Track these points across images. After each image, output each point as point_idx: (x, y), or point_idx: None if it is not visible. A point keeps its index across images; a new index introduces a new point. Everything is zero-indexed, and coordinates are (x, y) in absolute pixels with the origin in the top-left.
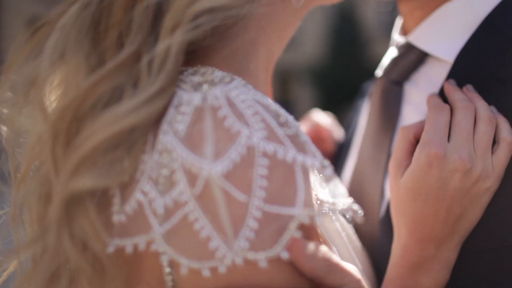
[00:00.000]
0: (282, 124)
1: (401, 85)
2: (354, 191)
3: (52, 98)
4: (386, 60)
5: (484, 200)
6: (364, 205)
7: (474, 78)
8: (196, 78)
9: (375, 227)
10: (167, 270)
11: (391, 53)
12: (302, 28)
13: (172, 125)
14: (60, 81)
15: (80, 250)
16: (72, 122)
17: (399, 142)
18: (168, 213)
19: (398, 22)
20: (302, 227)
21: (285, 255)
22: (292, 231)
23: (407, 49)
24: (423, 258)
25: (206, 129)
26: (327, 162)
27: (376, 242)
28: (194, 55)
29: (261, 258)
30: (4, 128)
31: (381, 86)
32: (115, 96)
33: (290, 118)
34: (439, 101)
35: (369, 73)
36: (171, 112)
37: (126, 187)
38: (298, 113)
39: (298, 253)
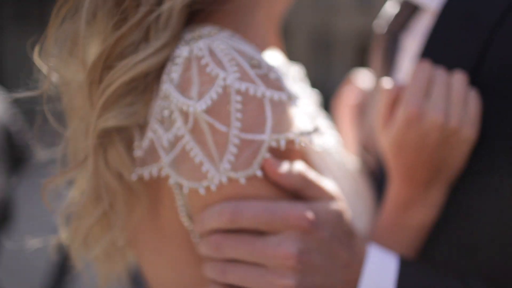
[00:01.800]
0: (254, 66)
1: (398, 35)
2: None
3: (91, 51)
4: (387, 15)
5: (464, 148)
6: (373, 142)
7: (455, 23)
8: (189, 35)
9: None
10: (179, 195)
11: (392, 8)
12: None
13: (169, 75)
14: (93, 37)
15: (115, 176)
16: (103, 71)
17: (384, 99)
18: (171, 145)
19: None
20: (272, 150)
21: (259, 173)
22: (263, 153)
23: (403, 4)
24: (411, 199)
25: (193, 75)
26: (293, 95)
27: (378, 177)
28: (201, 14)
29: (241, 176)
30: (53, 77)
31: (382, 41)
32: (133, 49)
33: (263, 61)
34: (423, 63)
35: None
36: (168, 65)
37: (143, 129)
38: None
39: (271, 171)
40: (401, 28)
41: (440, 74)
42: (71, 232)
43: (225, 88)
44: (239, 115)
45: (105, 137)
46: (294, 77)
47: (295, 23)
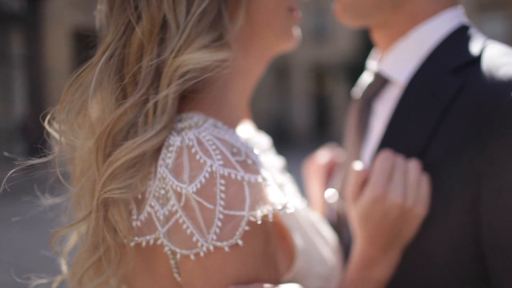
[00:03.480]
0: (235, 154)
1: (371, 102)
2: (345, 184)
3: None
4: (363, 83)
5: (416, 221)
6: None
7: (418, 98)
8: (180, 125)
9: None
10: (171, 256)
11: (367, 78)
12: (335, 24)
13: (164, 160)
14: (97, 108)
15: (112, 232)
16: (107, 140)
17: (353, 180)
18: (167, 219)
19: (374, 51)
20: (250, 223)
21: (240, 242)
22: (243, 226)
23: (377, 75)
24: (373, 259)
25: (184, 162)
26: (266, 177)
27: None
28: (185, 100)
29: (225, 245)
30: (62, 139)
31: (358, 105)
32: (132, 124)
33: (242, 146)
34: (386, 152)
35: None
36: (164, 151)
37: (139, 203)
38: (333, 108)
39: None
40: (374, 96)
41: (400, 161)
42: (70, 272)
43: (211, 173)
44: (223, 195)
45: (109, 202)
46: (262, 146)
47: None
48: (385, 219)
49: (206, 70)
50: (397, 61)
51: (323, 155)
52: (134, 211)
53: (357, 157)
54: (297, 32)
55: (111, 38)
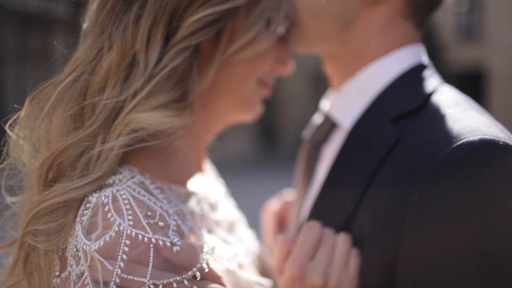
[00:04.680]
0: (148, 216)
1: (320, 146)
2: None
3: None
4: (313, 124)
5: None
6: None
7: (356, 148)
8: (109, 180)
9: None
10: None
11: (318, 119)
12: None
13: (81, 217)
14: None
15: (25, 269)
16: (49, 168)
17: (278, 251)
18: (78, 278)
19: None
20: None
21: None
22: None
23: (326, 118)
24: None
25: (99, 220)
26: (176, 240)
27: None
28: (131, 153)
29: None
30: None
31: (306, 148)
32: (77, 157)
33: (158, 210)
34: (312, 224)
35: (446, 78)
36: (82, 207)
37: (63, 261)
38: None
39: None
40: (323, 139)
41: (327, 234)
42: None
43: (118, 232)
44: (125, 256)
45: (32, 248)
46: (214, 198)
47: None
48: None
49: (159, 135)
50: (344, 103)
51: (274, 202)
52: (57, 268)
53: (301, 205)
54: (259, 106)
55: (81, 60)
